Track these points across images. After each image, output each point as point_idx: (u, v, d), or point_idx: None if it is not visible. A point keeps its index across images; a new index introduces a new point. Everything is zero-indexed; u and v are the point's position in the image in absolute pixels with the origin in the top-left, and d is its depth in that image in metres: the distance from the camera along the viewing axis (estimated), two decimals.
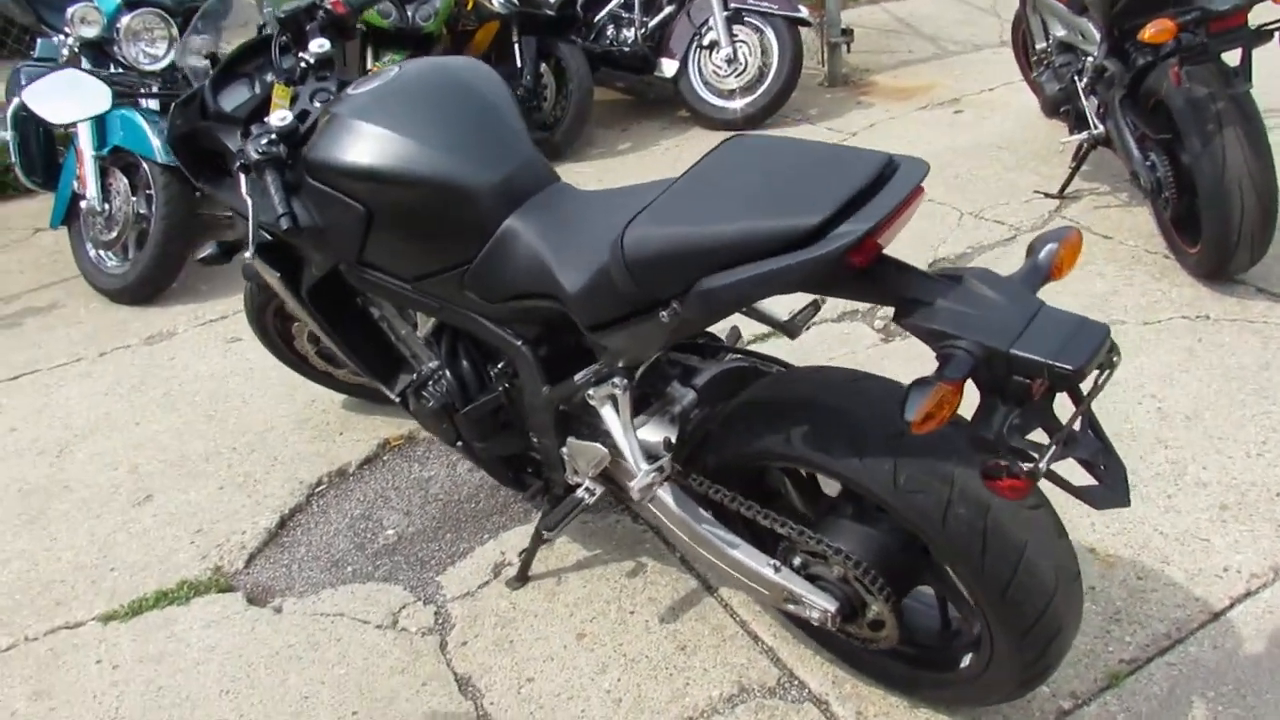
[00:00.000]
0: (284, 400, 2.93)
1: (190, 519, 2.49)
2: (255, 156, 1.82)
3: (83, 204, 3.59)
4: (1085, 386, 1.29)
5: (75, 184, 3.62)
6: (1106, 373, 1.30)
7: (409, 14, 4.27)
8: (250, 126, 1.97)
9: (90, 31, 3.53)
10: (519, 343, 1.80)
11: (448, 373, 1.99)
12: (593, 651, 1.99)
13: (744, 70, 4.82)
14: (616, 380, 1.66)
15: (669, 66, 4.97)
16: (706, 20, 4.82)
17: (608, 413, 1.69)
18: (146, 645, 2.10)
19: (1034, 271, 1.36)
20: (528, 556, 2.16)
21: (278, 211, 1.78)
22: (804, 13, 4.69)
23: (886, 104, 5.04)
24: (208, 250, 2.16)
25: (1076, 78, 3.45)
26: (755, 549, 1.69)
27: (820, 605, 1.60)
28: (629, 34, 5.06)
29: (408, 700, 1.92)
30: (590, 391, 1.70)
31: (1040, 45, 3.79)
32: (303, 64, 2.04)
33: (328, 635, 2.09)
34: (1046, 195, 3.76)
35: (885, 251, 1.39)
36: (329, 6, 2.09)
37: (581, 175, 4.53)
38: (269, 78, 2.09)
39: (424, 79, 1.83)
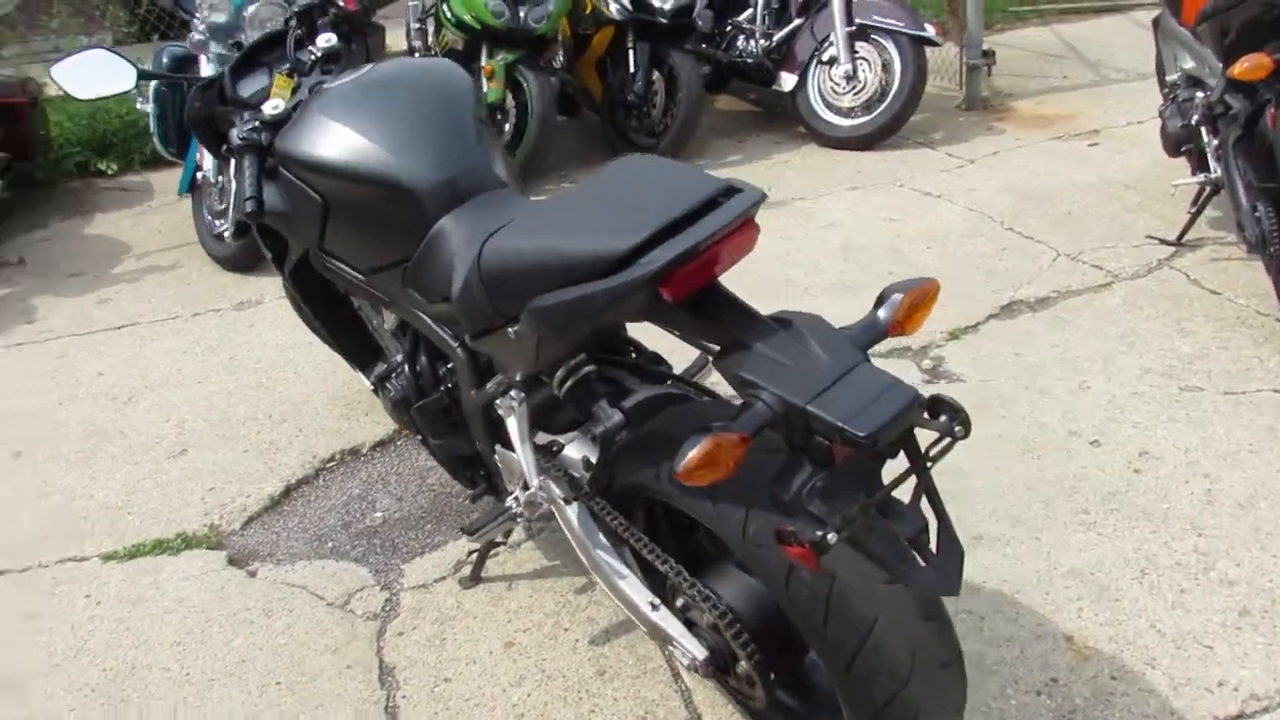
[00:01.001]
0: (327, 377, 3.07)
1: (209, 476, 2.65)
2: (237, 142, 1.91)
3: (199, 175, 3.89)
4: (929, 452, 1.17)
5: (197, 156, 3.93)
6: (946, 442, 1.18)
7: (522, 15, 4.37)
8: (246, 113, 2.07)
9: (219, 18, 3.82)
10: (455, 344, 1.82)
11: (406, 367, 2.03)
12: (515, 662, 1.98)
13: (863, 88, 4.66)
14: (513, 393, 1.64)
15: (788, 80, 4.87)
16: (829, 35, 4.68)
17: (510, 424, 1.68)
18: (129, 587, 2.26)
19: (871, 325, 1.26)
20: (479, 558, 2.18)
21: (245, 194, 1.87)
22: (930, 32, 4.48)
23: (1020, 131, 4.74)
24: (228, 227, 2.29)
25: (1197, 115, 3.13)
26: (640, 584, 1.63)
27: (689, 651, 1.53)
28: (754, 45, 5.00)
29: (328, 680, 1.97)
30: (498, 401, 1.69)
31: (1170, 77, 3.47)
32: (311, 57, 2.13)
33: (284, 606, 2.18)
34: (1161, 241, 3.44)
35: (727, 286, 1.30)
36: (340, 2, 2.17)
37: None
38: (285, 68, 2.19)
39: (389, 78, 1.87)
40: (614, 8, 4.59)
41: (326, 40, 2.14)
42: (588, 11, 4.84)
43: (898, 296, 1.26)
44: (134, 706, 1.94)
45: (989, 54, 5.11)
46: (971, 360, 2.87)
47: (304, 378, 3.10)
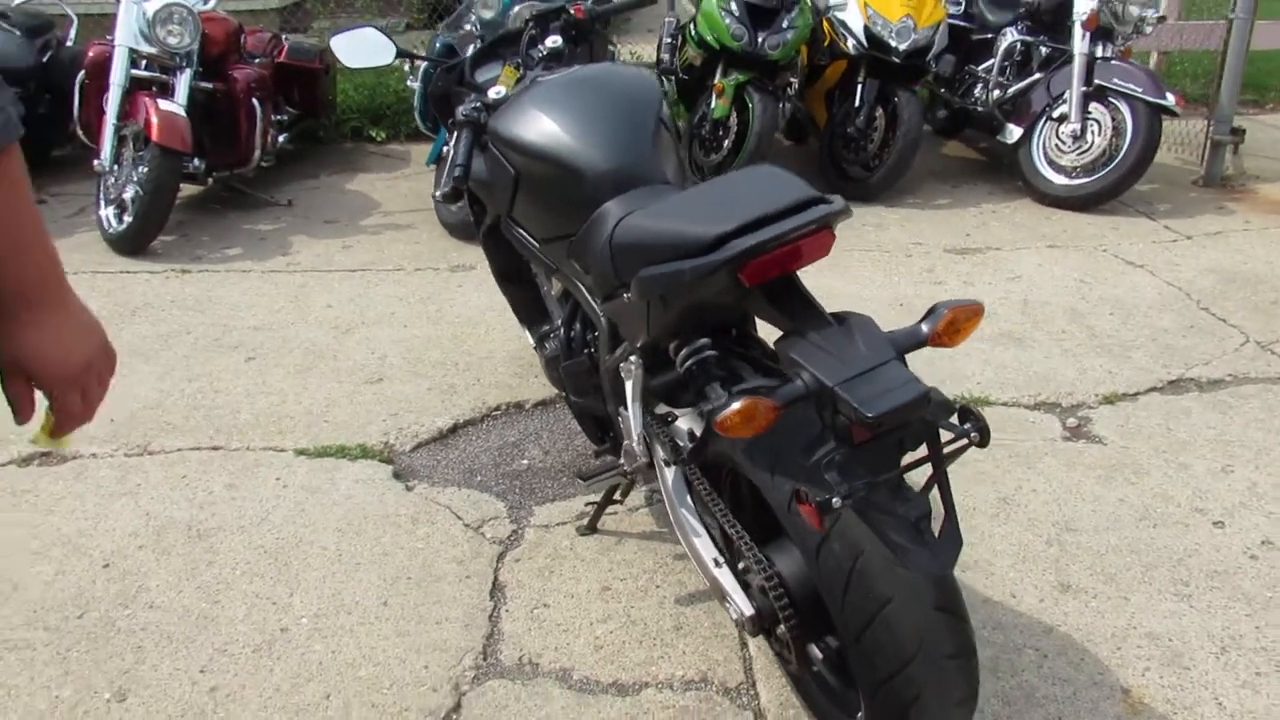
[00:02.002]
0: (512, 339, 3.43)
1: (394, 404, 3.05)
2: (459, 117, 2.26)
3: (445, 149, 4.40)
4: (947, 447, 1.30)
5: (446, 132, 4.44)
6: (962, 442, 1.30)
7: (760, 40, 4.61)
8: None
9: (488, 14, 4.30)
10: (600, 312, 2.07)
11: (562, 330, 2.31)
12: (606, 603, 2.21)
13: (1088, 149, 4.58)
14: (632, 358, 1.87)
15: (1013, 132, 4.85)
16: (1064, 93, 4.63)
17: (628, 386, 1.91)
18: (311, 478, 2.68)
19: (913, 333, 1.39)
20: (597, 511, 2.43)
21: (458, 161, 2.21)
22: (1171, 101, 4.34)
23: (1252, 214, 4.50)
24: (444, 188, 2.66)
25: None
26: (710, 543, 1.82)
27: (739, 606, 1.70)
28: (991, 95, 5.01)
29: (449, 584, 2.28)
30: (621, 365, 1.93)
31: None
32: (538, 54, 2.46)
33: (428, 518, 2.52)
34: None
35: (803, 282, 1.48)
36: (571, 10, 2.49)
37: (880, 219, 4.60)
38: (515, 62, 2.53)
39: (589, 77, 2.15)
40: (850, 43, 4.75)
41: (553, 41, 2.47)
42: (825, 44, 5.03)
43: (943, 310, 1.39)
44: (293, 570, 2.33)
45: (1238, 131, 4.87)
46: (1118, 426, 2.84)
47: (492, 336, 3.48)
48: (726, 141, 4.78)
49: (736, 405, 1.31)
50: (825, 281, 3.88)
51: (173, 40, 4.26)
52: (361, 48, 2.49)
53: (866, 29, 4.63)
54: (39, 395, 1.03)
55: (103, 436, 2.88)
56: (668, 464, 1.95)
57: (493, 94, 2.32)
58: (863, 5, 4.67)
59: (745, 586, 1.75)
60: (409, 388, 3.15)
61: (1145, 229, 4.38)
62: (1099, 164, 4.56)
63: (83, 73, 4.54)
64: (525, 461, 2.78)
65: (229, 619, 2.18)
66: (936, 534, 1.32)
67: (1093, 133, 4.57)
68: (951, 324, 1.40)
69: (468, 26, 4.43)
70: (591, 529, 2.45)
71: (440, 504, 2.58)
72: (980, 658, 1.88)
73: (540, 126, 2.07)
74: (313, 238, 4.49)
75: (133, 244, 4.23)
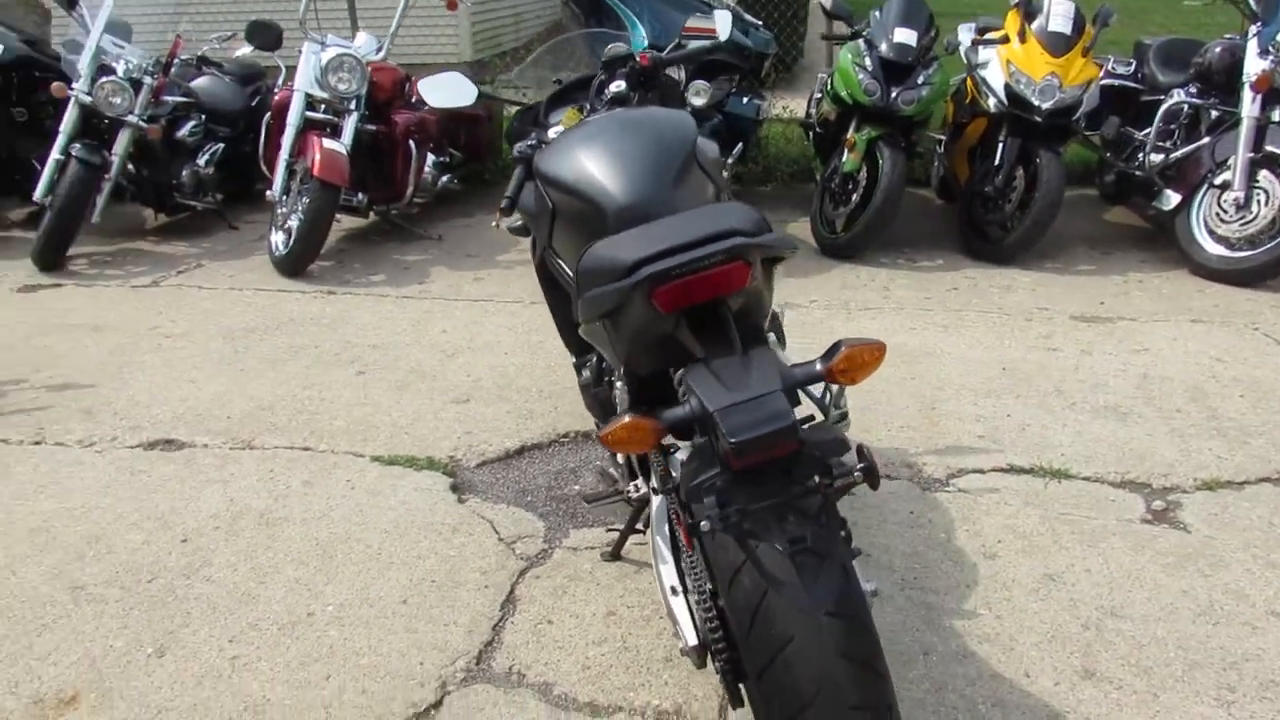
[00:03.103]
0: None
1: (472, 423, 3.22)
2: (515, 154, 2.41)
3: None
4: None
5: None
6: (849, 479, 1.27)
7: (893, 95, 4.57)
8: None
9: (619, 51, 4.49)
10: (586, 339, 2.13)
11: (592, 358, 2.39)
12: (607, 627, 2.25)
13: (1253, 220, 4.22)
14: (617, 381, 1.92)
15: (1171, 199, 4.55)
16: (1229, 159, 4.30)
17: (617, 410, 1.96)
18: (377, 483, 2.87)
19: (809, 368, 1.36)
20: (620, 539, 2.47)
21: (506, 194, 2.35)
22: None
23: None
24: (498, 221, 2.81)
25: None
26: (673, 571, 1.82)
27: (683, 635, 1.70)
28: (1149, 159, 4.73)
29: (467, 591, 2.38)
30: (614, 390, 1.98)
31: None
32: (604, 98, 2.58)
33: (468, 529, 2.64)
34: None
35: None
36: (637, 59, 2.61)
37: (1010, 282, 4.42)
38: (581, 105, 2.67)
39: (624, 119, 2.23)
40: (991, 100, 4.62)
41: (616, 86, 2.58)
42: (967, 101, 4.92)
43: (841, 348, 1.37)
44: (335, 562, 2.50)
45: None
46: (1211, 515, 2.60)
47: None
48: (855, 195, 4.74)
49: (615, 424, 1.34)
50: (929, 339, 3.77)
51: (342, 86, 4.72)
52: (448, 89, 2.70)
53: (1007, 86, 4.49)
54: None
55: (216, 430, 3.21)
56: (655, 492, 1.98)
57: (551, 133, 2.46)
58: (1005, 62, 4.54)
59: (693, 617, 1.75)
60: (490, 410, 3.31)
61: None
62: (1264, 236, 4.19)
63: (269, 114, 5.10)
64: (577, 487, 2.86)
65: (267, 599, 2.38)
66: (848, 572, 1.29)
67: (1259, 202, 4.21)
68: (848, 361, 1.38)
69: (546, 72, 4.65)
70: (615, 556, 2.49)
71: (484, 518, 2.70)
72: None
73: (570, 163, 2.18)
74: (450, 269, 4.80)
75: (292, 267, 4.67)
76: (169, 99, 5.27)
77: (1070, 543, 2.50)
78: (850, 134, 4.71)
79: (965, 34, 4.95)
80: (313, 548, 2.57)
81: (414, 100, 5.41)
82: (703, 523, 1.29)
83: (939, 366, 3.53)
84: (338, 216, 4.89)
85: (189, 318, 4.21)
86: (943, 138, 5.29)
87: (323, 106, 4.86)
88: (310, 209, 4.56)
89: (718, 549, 1.48)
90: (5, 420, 3.29)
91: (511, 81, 4.24)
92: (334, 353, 3.81)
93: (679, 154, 2.16)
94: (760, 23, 5.63)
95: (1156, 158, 4.68)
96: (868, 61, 4.65)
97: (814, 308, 4.16)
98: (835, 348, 1.42)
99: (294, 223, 4.66)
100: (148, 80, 5.03)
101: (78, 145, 4.81)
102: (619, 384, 1.93)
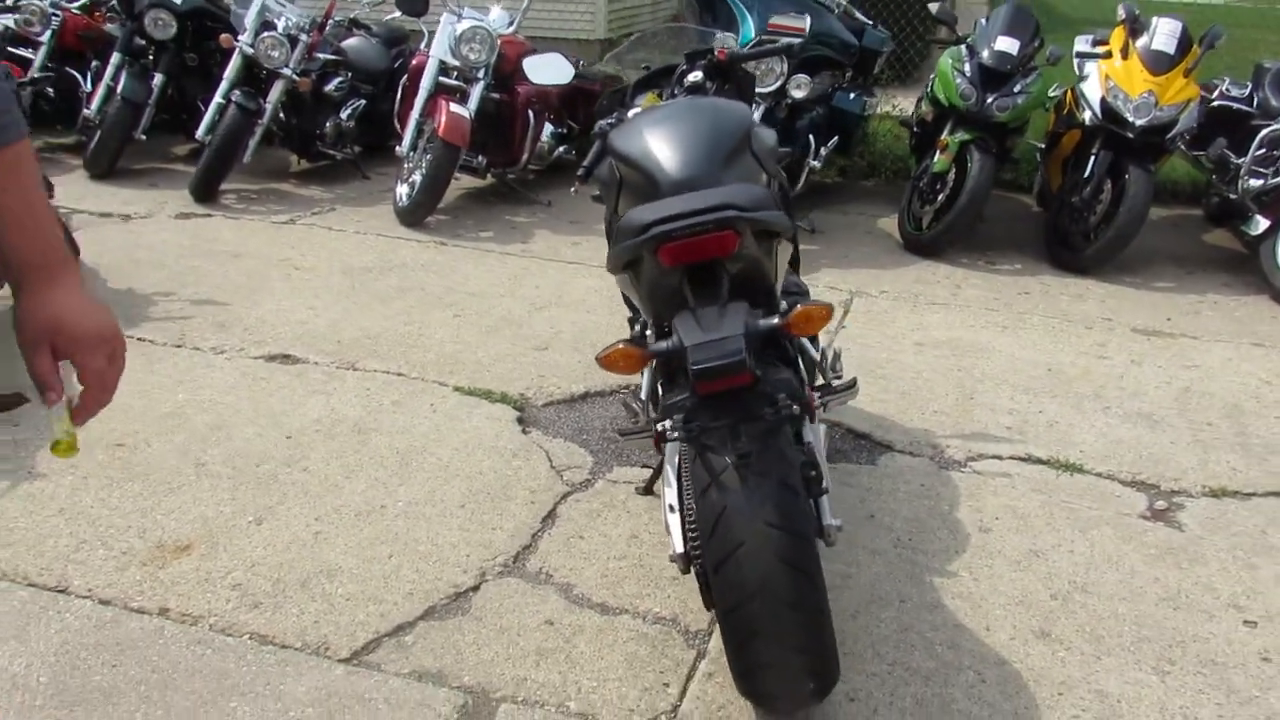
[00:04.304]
0: None
1: (546, 367, 3.60)
2: (595, 130, 2.75)
3: None
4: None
5: None
6: (785, 412, 1.57)
7: (988, 100, 4.71)
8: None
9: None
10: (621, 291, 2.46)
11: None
12: (628, 547, 2.59)
13: None
14: (648, 333, 2.24)
15: (1260, 224, 4.58)
16: None
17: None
18: (455, 409, 3.28)
19: (769, 318, 1.66)
20: (653, 475, 2.81)
21: (584, 164, 2.70)
22: None
23: None
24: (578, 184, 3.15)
25: None
26: (674, 491, 2.15)
27: (672, 542, 2.03)
28: (1246, 183, 4.74)
29: (516, 504, 2.77)
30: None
31: None
32: (683, 86, 2.90)
33: (525, 455, 3.02)
34: None
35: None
36: (715, 53, 2.91)
37: (1082, 291, 4.53)
38: (661, 90, 2.99)
39: (685, 105, 2.54)
40: (1086, 113, 4.71)
41: (694, 76, 2.89)
42: (1065, 112, 5.01)
43: (797, 306, 1.67)
44: (410, 469, 2.92)
45: None
46: (1208, 518, 2.76)
47: None
48: (941, 195, 4.91)
49: (616, 346, 1.68)
50: (984, 336, 3.96)
51: (472, 56, 5.15)
52: (548, 68, 3.06)
53: (1103, 100, 4.58)
54: (53, 410, 1.11)
55: (327, 350, 3.68)
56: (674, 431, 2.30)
57: (630, 114, 2.79)
58: (1104, 76, 4.62)
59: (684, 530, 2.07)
60: (564, 358, 3.69)
61: None
62: None
63: (405, 76, 5.58)
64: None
65: (350, 490, 2.81)
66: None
67: None
68: (800, 316, 1.67)
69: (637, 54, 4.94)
70: (648, 490, 2.83)
71: (541, 448, 3.08)
72: (919, 668, 2.10)
73: (637, 140, 2.50)
74: (552, 233, 5.19)
75: (411, 217, 5.15)
76: (320, 56, 5.81)
77: (1063, 526, 2.71)
78: (944, 136, 4.87)
79: (1082, 45, 5.03)
80: (393, 455, 3.00)
81: None
82: (661, 429, 1.61)
83: (986, 361, 3.73)
84: (457, 175, 5.33)
85: (316, 253, 4.73)
86: (1042, 146, 5.38)
87: (454, 73, 5.30)
88: (432, 165, 5.02)
89: (696, 468, 1.80)
90: (154, 325, 3.84)
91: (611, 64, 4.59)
92: (436, 296, 4.25)
93: (731, 138, 2.45)
94: (871, 22, 5.79)
95: (1253, 182, 4.69)
96: (966, 67, 4.80)
97: (883, 298, 4.38)
98: (792, 306, 1.72)
99: (417, 177, 5.13)
100: (303, 37, 5.58)
101: (237, 92, 5.39)
102: (649, 332, 2.26)
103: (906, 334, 3.98)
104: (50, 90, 6.19)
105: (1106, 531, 2.69)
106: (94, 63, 6.07)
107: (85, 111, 5.95)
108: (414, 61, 5.55)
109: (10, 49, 5.91)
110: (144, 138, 5.88)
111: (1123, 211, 4.56)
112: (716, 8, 4.98)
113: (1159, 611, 2.37)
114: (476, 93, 5.22)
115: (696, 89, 2.88)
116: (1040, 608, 2.38)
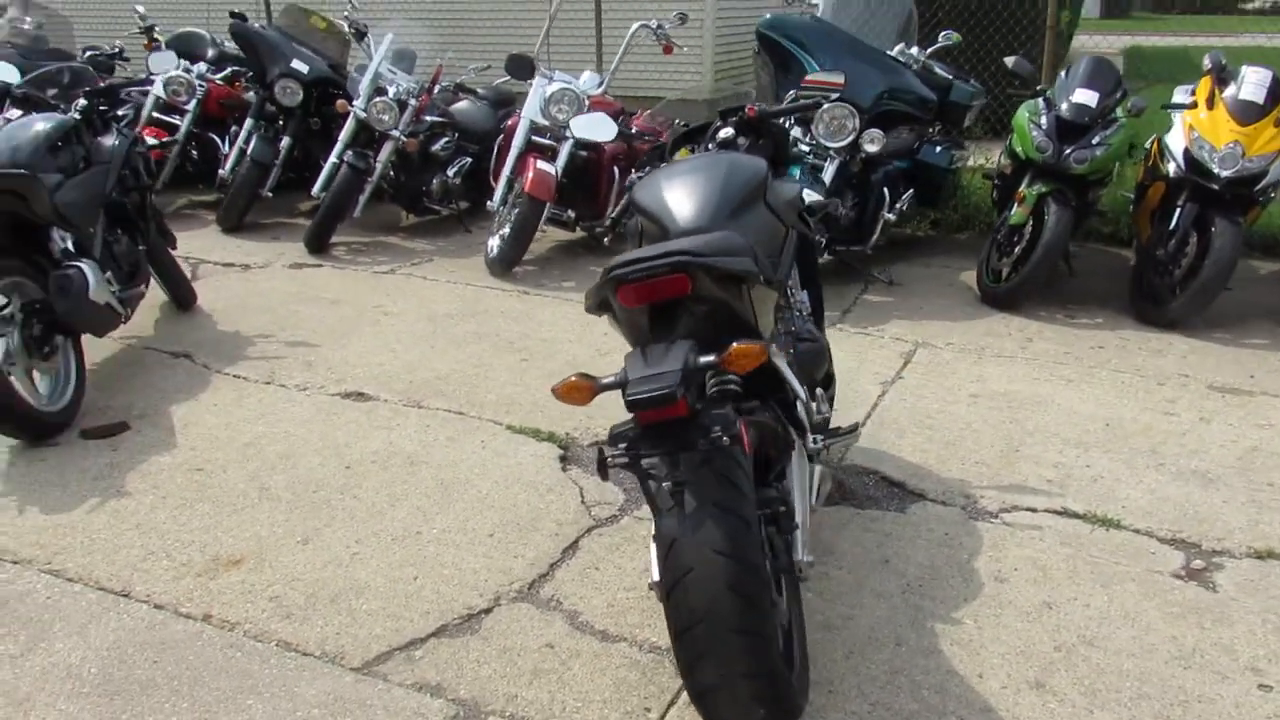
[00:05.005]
0: None
1: (603, 411, 3.70)
2: (626, 184, 2.92)
3: None
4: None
5: None
6: (718, 444, 1.67)
7: (1066, 153, 4.65)
8: None
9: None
10: None
11: None
12: (640, 580, 2.69)
13: None
14: None
15: None
16: None
17: None
18: (503, 446, 3.46)
19: (708, 357, 1.76)
20: None
21: (611, 214, 2.87)
22: None
23: None
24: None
25: None
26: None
27: (652, 572, 2.12)
28: None
29: (541, 536, 2.91)
30: None
31: None
32: (715, 140, 3.04)
33: (559, 491, 3.16)
34: None
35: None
36: (745, 110, 3.04)
37: (1163, 346, 4.38)
38: (695, 145, 3.14)
39: (703, 161, 2.66)
40: (1170, 165, 4.59)
41: (725, 133, 3.03)
42: (1150, 163, 4.88)
43: (733, 345, 1.77)
44: (450, 498, 3.11)
45: None
46: (1246, 580, 2.64)
47: None
48: (1018, 247, 4.84)
49: (568, 379, 1.81)
50: (1044, 389, 3.88)
51: (561, 116, 5.43)
52: (594, 126, 3.26)
53: (1187, 151, 4.46)
54: None
55: (398, 389, 3.94)
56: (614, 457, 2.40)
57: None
58: (1188, 127, 4.50)
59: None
60: (615, 400, 3.81)
61: None
62: None
63: (501, 136, 5.93)
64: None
65: (392, 517, 3.02)
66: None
67: None
68: (734, 354, 1.77)
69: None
70: None
71: (577, 484, 3.22)
72: (901, 709, 2.14)
73: (654, 192, 2.65)
74: None
75: (500, 267, 5.44)
76: (428, 118, 6.24)
77: (1084, 580, 2.65)
78: (1021, 188, 4.83)
79: (1181, 96, 4.90)
80: (437, 486, 3.20)
81: (628, 130, 6.06)
82: (609, 457, 1.73)
83: (1040, 414, 3.66)
84: (544, 229, 5.60)
85: (407, 300, 5.06)
86: (1133, 197, 5.24)
87: (546, 133, 5.60)
88: (519, 219, 5.30)
89: (652, 498, 1.90)
90: (250, 363, 4.20)
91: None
92: (508, 341, 4.48)
93: (742, 191, 2.58)
94: (963, 77, 5.79)
95: None
96: (1043, 119, 4.77)
97: (948, 350, 4.35)
98: (727, 344, 1.82)
99: (506, 230, 5.42)
100: (412, 102, 6.02)
101: (349, 152, 5.85)
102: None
103: (964, 385, 3.95)
104: (194, 153, 6.86)
105: (1130, 587, 2.61)
106: (234, 127, 6.70)
107: (221, 172, 6.57)
108: (509, 122, 5.89)
109: (158, 115, 6.58)
110: (270, 195, 6.44)
111: (1208, 265, 4.40)
112: (790, 65, 5.12)
113: (1167, 669, 2.30)
114: (565, 150, 5.49)
115: (728, 144, 3.02)
116: (1040, 659, 2.35)
